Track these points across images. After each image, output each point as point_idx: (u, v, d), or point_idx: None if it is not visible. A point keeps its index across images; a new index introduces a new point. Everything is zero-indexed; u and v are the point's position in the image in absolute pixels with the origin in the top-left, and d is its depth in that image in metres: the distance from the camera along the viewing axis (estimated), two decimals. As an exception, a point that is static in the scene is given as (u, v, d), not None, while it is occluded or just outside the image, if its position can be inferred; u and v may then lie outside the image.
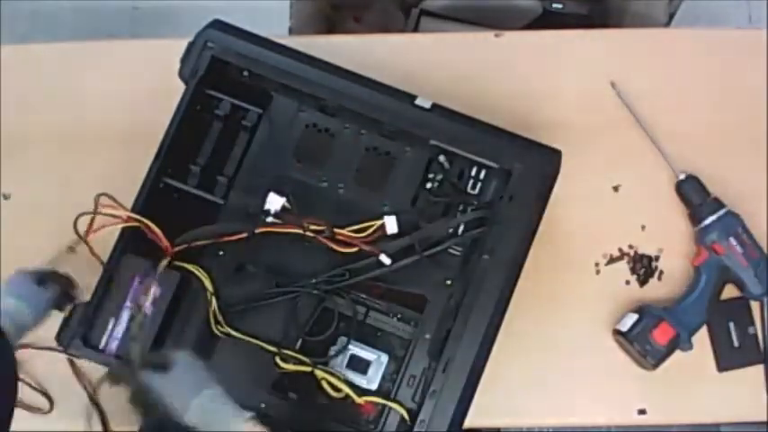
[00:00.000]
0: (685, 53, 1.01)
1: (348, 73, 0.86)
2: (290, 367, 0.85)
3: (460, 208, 0.88)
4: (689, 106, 0.99)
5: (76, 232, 0.82)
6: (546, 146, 0.84)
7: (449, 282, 0.86)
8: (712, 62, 1.00)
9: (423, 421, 0.78)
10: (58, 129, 1.02)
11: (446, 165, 0.88)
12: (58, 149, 1.01)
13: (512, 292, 0.81)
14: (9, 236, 0.98)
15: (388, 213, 0.86)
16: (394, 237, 0.86)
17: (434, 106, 0.85)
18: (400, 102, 0.85)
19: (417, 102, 0.85)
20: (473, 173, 0.88)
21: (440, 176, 0.88)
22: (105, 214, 0.83)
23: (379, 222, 0.86)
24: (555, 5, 1.21)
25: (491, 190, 0.88)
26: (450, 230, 0.86)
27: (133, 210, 0.84)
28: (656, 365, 0.90)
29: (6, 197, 1.00)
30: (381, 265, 0.85)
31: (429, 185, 0.88)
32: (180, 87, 0.87)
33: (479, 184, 0.88)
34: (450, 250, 0.87)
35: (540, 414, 0.94)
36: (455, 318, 0.80)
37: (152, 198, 0.85)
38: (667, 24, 1.18)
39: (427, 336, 0.85)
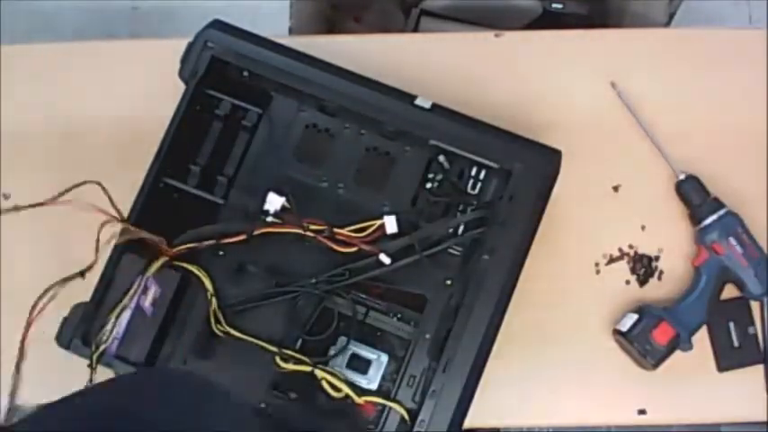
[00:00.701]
0: (685, 53, 1.01)
1: (348, 73, 0.86)
2: (290, 367, 0.84)
3: (460, 208, 0.88)
4: (689, 106, 0.99)
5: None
6: (546, 146, 0.84)
7: (449, 282, 0.86)
8: (712, 62, 1.00)
9: (423, 421, 0.78)
10: (58, 129, 1.01)
11: (446, 165, 0.88)
12: (58, 149, 1.01)
13: (512, 292, 0.81)
14: (9, 235, 0.98)
15: (388, 213, 0.86)
16: (394, 236, 0.86)
17: (434, 106, 0.85)
18: (400, 102, 0.85)
19: (417, 102, 0.85)
20: (473, 173, 0.88)
21: (440, 176, 0.88)
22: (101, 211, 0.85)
23: (378, 222, 0.85)
24: (555, 5, 1.21)
25: (491, 190, 0.88)
26: (451, 230, 0.86)
27: (133, 209, 0.84)
28: (656, 365, 0.90)
29: (6, 197, 0.99)
30: (381, 264, 0.85)
31: (429, 185, 0.88)
32: (180, 87, 0.87)
33: (479, 184, 0.88)
34: (451, 250, 0.87)
35: (540, 414, 0.94)
36: (455, 318, 0.80)
37: (152, 198, 0.85)
38: (667, 24, 1.18)
39: (427, 336, 0.85)
